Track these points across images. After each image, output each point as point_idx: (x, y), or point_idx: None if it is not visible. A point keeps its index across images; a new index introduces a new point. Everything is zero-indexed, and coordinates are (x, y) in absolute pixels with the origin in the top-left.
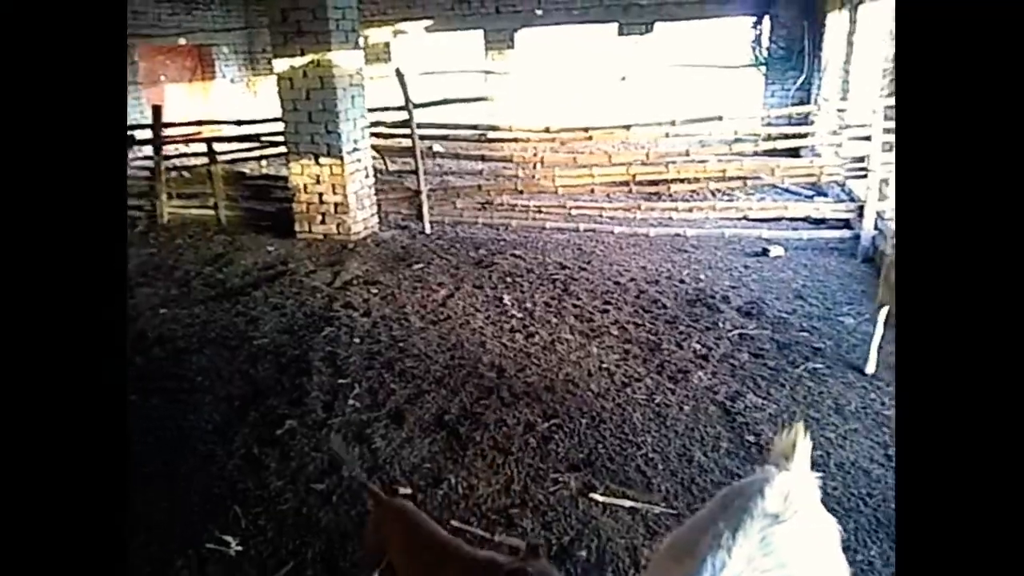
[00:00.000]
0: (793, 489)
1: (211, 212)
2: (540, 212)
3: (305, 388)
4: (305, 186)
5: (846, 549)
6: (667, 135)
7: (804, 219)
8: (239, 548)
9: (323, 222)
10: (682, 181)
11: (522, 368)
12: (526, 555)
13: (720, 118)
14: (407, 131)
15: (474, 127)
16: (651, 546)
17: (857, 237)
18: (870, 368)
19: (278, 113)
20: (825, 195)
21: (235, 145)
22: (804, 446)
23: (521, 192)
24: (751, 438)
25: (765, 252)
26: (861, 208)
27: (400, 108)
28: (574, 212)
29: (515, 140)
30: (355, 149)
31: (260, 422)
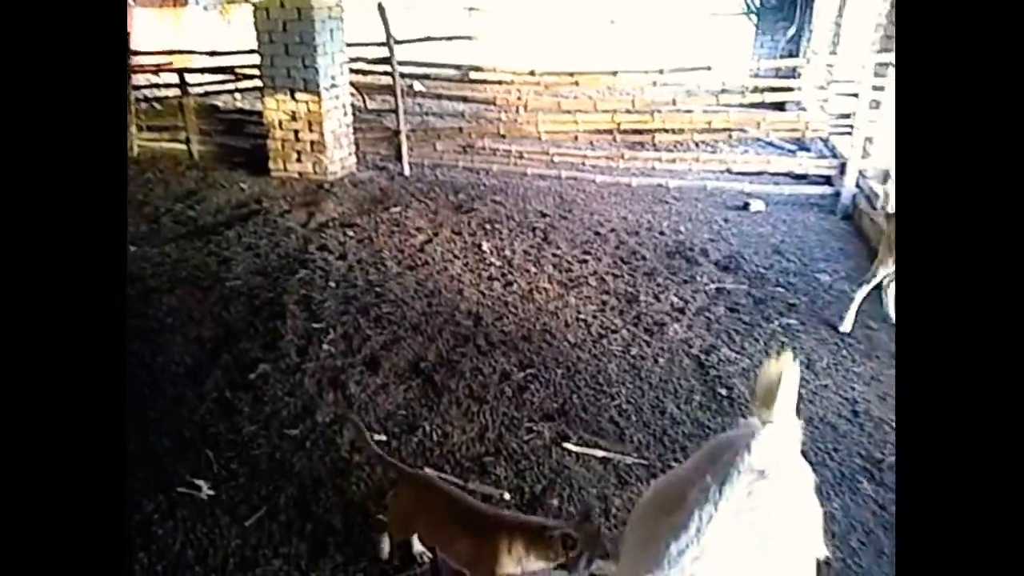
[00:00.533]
0: (777, 443)
1: (182, 146)
2: (522, 158)
3: (279, 332)
4: (280, 122)
5: None
6: (654, 83)
7: (786, 174)
8: (211, 492)
9: (299, 160)
10: (667, 131)
11: (499, 317)
12: (579, 520)
13: (708, 68)
14: (387, 68)
15: (457, 67)
16: (622, 496)
17: (838, 194)
18: (846, 326)
19: (253, 45)
20: (808, 150)
21: (208, 77)
22: (790, 390)
23: (503, 136)
24: (723, 391)
25: (746, 206)
26: (843, 165)
27: (381, 44)
28: (556, 159)
29: (499, 82)
30: (333, 85)
31: (232, 365)
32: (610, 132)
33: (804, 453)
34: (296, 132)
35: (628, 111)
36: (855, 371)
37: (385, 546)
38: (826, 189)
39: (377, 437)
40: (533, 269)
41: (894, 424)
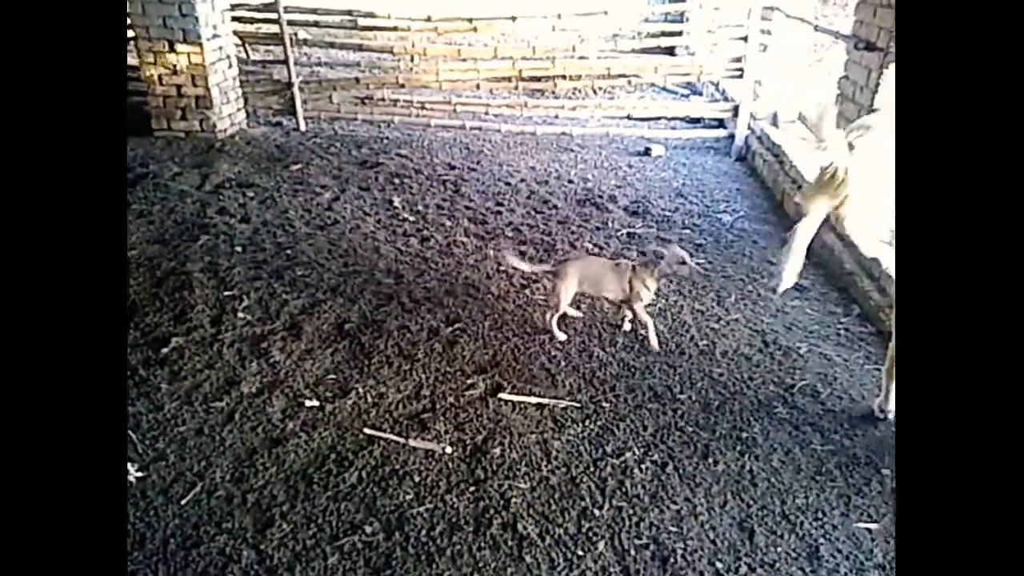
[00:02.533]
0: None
1: None
2: (424, 108)
3: (188, 302)
4: (160, 77)
5: (733, 428)
6: (553, 29)
7: (682, 119)
8: (140, 475)
9: (184, 118)
10: (566, 78)
11: (420, 273)
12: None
13: (605, 13)
14: (273, 15)
15: (348, 13)
16: (560, 438)
17: (732, 137)
18: (782, 288)
19: None
20: (700, 95)
21: None
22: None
23: (403, 86)
24: (643, 331)
25: (647, 151)
26: (736, 108)
27: None
28: (459, 109)
29: (394, 28)
30: (215, 35)
31: (142, 341)
32: (510, 79)
33: (723, 384)
34: (178, 87)
35: (527, 58)
36: (761, 304)
37: (559, 333)
38: (720, 132)
39: (309, 403)
40: (448, 223)
41: (801, 352)
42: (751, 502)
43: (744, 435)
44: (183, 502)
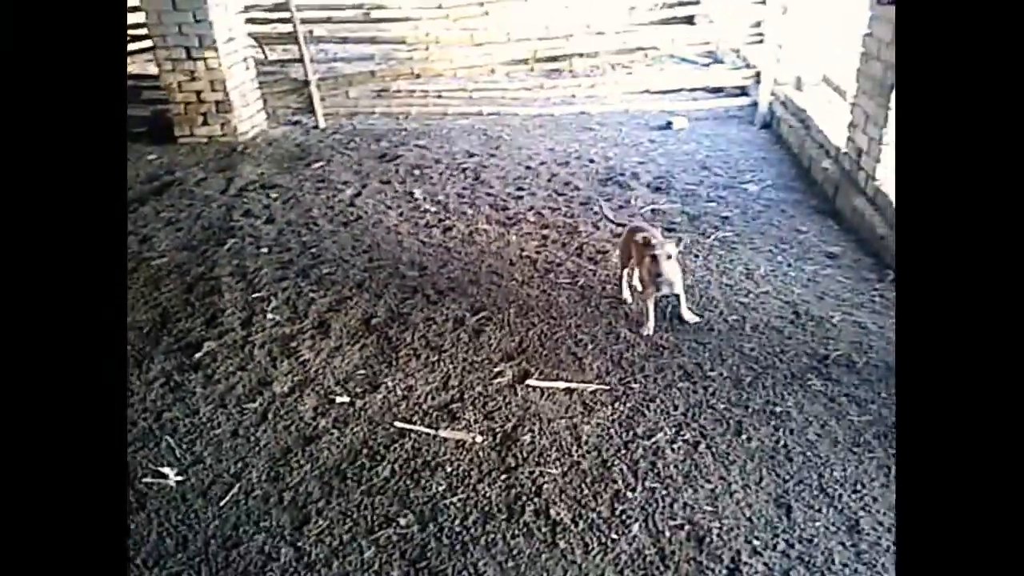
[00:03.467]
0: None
1: None
2: (440, 97)
3: (218, 306)
4: (180, 84)
5: (766, 403)
6: (566, 7)
7: (703, 88)
8: (179, 478)
9: (205, 123)
10: (582, 55)
11: (443, 264)
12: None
13: None
14: (285, 14)
15: (359, 6)
16: (591, 422)
17: (755, 104)
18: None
19: (135, 2)
20: (722, 63)
21: None
22: None
23: (418, 76)
24: (671, 310)
25: (669, 125)
26: (758, 74)
27: None
28: (476, 95)
29: (405, 19)
30: (231, 39)
31: (175, 347)
32: (526, 62)
33: (755, 359)
34: (198, 93)
35: (542, 38)
36: (792, 275)
37: (626, 293)
38: (743, 100)
39: (340, 400)
40: (470, 211)
41: (834, 322)
42: (787, 477)
43: (778, 409)
44: (222, 503)
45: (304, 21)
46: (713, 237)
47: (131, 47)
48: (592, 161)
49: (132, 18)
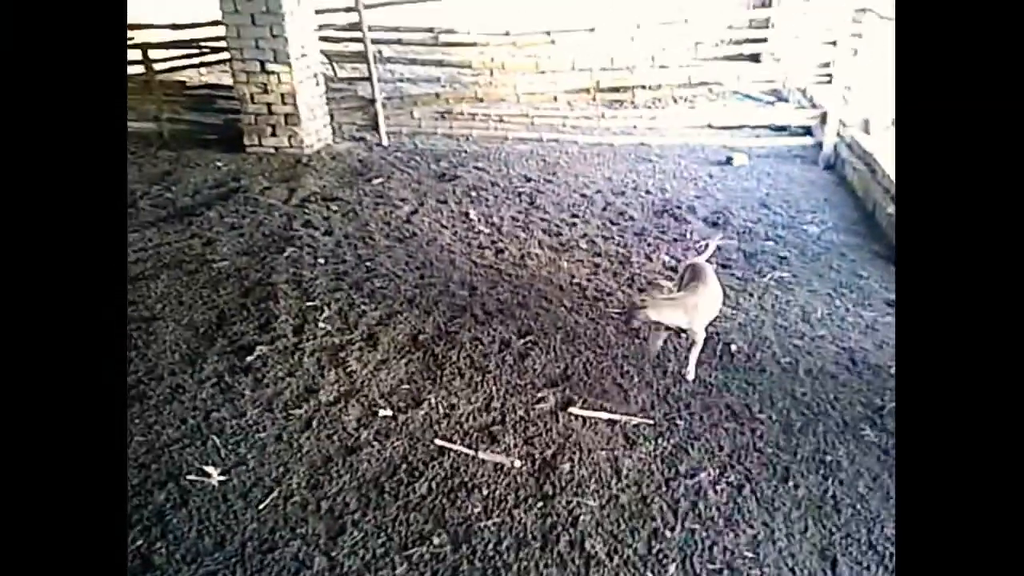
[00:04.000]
0: None
1: (152, 126)
2: (501, 121)
3: (272, 312)
4: (252, 96)
5: (816, 451)
6: (632, 39)
7: (767, 126)
8: (222, 478)
9: (274, 134)
10: (645, 88)
11: (494, 285)
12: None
13: (686, 21)
14: (357, 34)
15: (429, 30)
16: (632, 456)
17: (819, 144)
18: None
19: (217, 15)
20: (786, 101)
21: (172, 52)
22: None
23: (481, 100)
24: (722, 347)
25: (729, 160)
26: (824, 115)
27: (349, 9)
28: (537, 121)
29: (473, 44)
30: (304, 55)
31: (229, 349)
32: (588, 91)
33: (807, 404)
34: (269, 105)
35: (605, 69)
36: (850, 320)
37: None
38: (807, 140)
39: (383, 413)
40: (523, 235)
41: (892, 372)
42: (834, 529)
43: (828, 458)
44: (261, 507)
45: (375, 42)
46: (769, 277)
47: (209, 58)
48: (648, 192)
49: (212, 31)
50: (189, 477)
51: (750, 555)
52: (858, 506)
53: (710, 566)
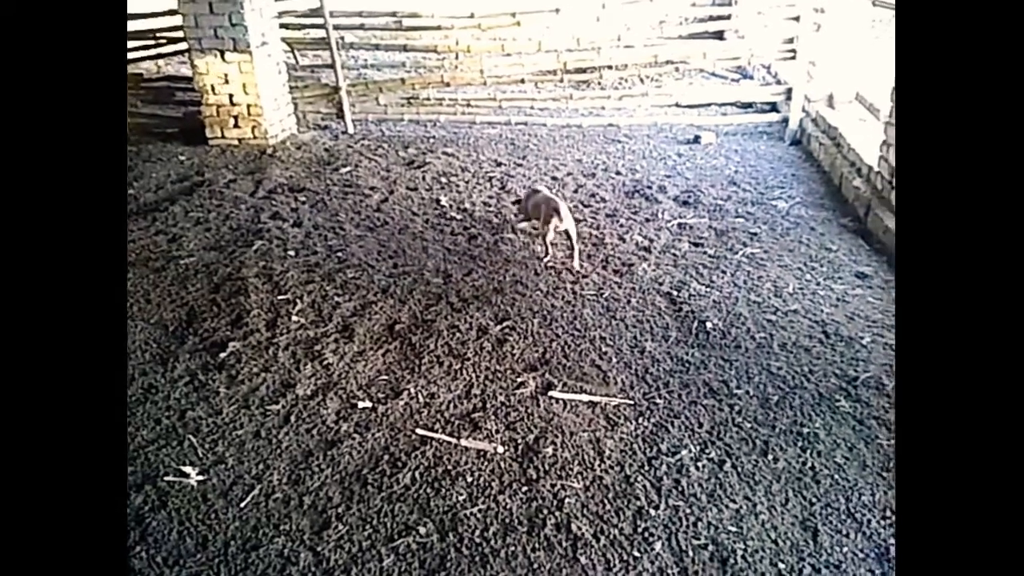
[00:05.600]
0: None
1: None
2: (469, 106)
3: (243, 307)
4: (213, 87)
5: (794, 423)
6: (597, 19)
7: (733, 103)
8: (200, 478)
9: (236, 126)
10: (612, 67)
11: (468, 272)
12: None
13: (650, 0)
14: (319, 20)
15: (392, 14)
16: (614, 436)
17: (785, 120)
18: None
19: (174, 4)
20: (751, 78)
21: (128, 43)
22: None
23: (447, 84)
24: (697, 325)
25: (697, 139)
26: (789, 91)
27: None
28: (505, 105)
29: (437, 27)
30: (264, 43)
31: (201, 347)
32: (555, 72)
33: (782, 378)
34: (231, 96)
35: (572, 50)
36: (821, 294)
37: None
38: (773, 116)
39: (362, 404)
40: (495, 220)
41: (864, 343)
42: (814, 500)
43: (805, 431)
44: (242, 505)
45: (337, 27)
46: (741, 253)
47: (167, 49)
48: (619, 173)
49: (169, 21)
50: (167, 478)
51: (734, 529)
52: (836, 476)
53: (695, 542)
